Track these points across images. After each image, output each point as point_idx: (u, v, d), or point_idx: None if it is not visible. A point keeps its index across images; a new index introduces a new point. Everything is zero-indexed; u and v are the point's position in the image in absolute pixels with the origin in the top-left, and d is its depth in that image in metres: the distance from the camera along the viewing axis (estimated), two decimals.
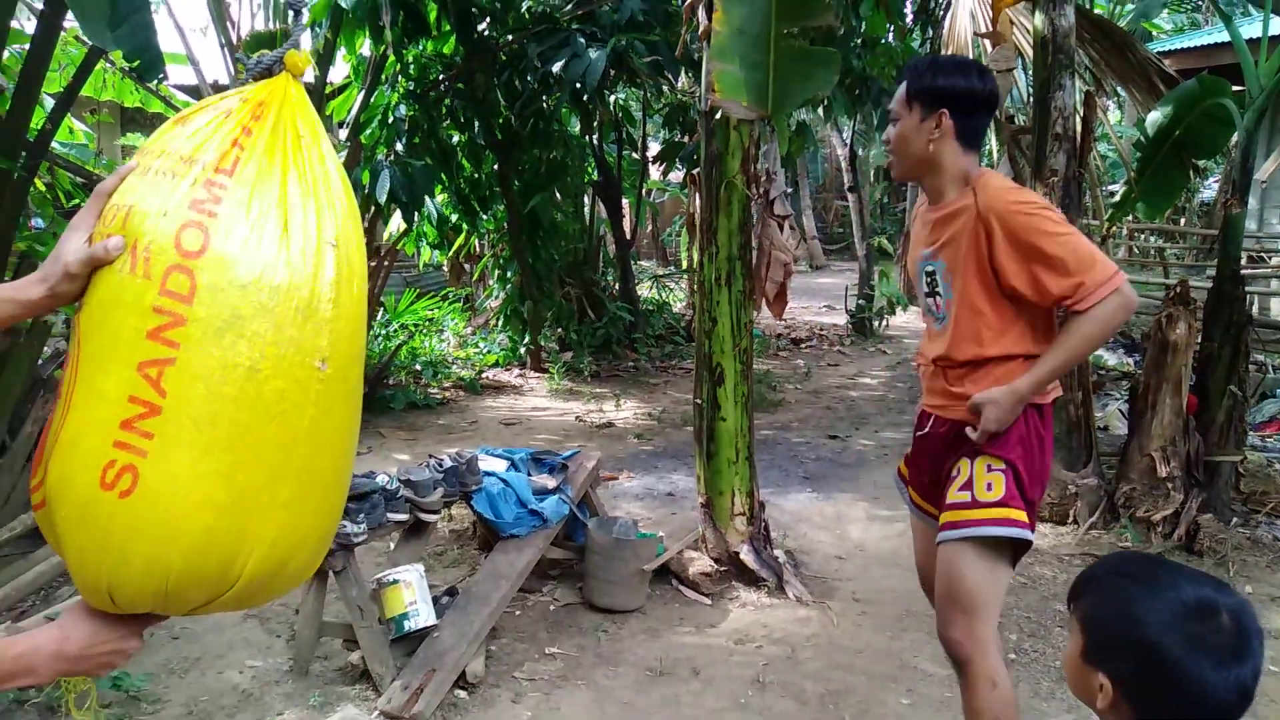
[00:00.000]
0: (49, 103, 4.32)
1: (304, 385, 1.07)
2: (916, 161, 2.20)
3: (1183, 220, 14.47)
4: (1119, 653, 1.05)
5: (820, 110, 8.60)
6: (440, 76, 7.06)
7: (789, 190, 4.04)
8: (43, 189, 4.60)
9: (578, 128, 8.56)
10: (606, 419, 6.85)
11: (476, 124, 7.37)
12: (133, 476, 0.99)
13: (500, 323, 8.91)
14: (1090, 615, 1.09)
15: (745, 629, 3.46)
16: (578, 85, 6.00)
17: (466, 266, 9.90)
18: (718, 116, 3.69)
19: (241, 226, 1.05)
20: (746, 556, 3.77)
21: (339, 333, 1.11)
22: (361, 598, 2.98)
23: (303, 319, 1.07)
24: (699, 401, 3.96)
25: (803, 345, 10.11)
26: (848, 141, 12.55)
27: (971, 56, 5.94)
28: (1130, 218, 7.05)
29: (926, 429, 2.37)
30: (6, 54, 4.18)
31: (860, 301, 10.82)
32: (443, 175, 7.16)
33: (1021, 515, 2.09)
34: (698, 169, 4.38)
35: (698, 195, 4.16)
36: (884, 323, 10.90)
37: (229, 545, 1.04)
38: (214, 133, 1.09)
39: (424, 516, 3.29)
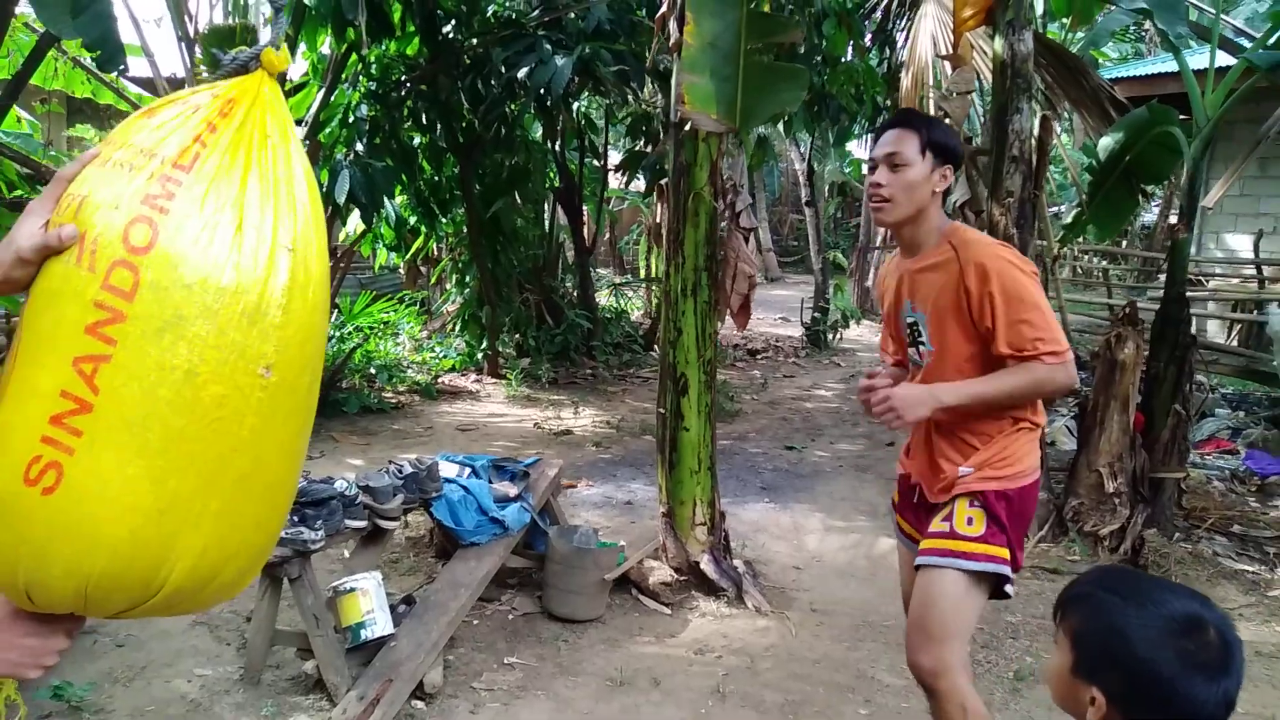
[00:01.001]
0: None
1: (245, 392, 1.03)
2: (916, 210, 2.18)
3: (1124, 242, 14.95)
4: (1112, 668, 1.07)
5: (780, 125, 8.71)
6: (403, 77, 6.99)
7: (751, 202, 4.08)
8: None
9: (540, 134, 8.54)
10: (565, 426, 6.82)
11: (439, 126, 7.31)
12: (57, 474, 0.96)
13: (458, 327, 8.83)
14: (1080, 631, 1.11)
15: (705, 639, 3.46)
16: (542, 91, 5.98)
17: (423, 269, 9.80)
18: (687, 128, 3.71)
19: (193, 224, 1.02)
20: (707, 566, 3.78)
21: (288, 339, 1.07)
22: (317, 605, 2.91)
23: (248, 323, 1.03)
24: (662, 411, 3.97)
25: (759, 356, 10.20)
26: (805, 156, 12.72)
27: (931, 79, 6.06)
28: (1079, 239, 7.26)
29: (912, 481, 2.40)
30: None
31: (815, 314, 10.96)
32: (403, 176, 7.08)
33: (1001, 552, 2.11)
34: (665, 179, 4.41)
35: (664, 206, 4.18)
36: (838, 336, 11.05)
37: (154, 552, 1.00)
38: (178, 127, 1.06)
39: (382, 524, 3.23)
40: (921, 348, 2.26)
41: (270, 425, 1.07)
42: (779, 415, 7.50)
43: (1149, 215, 15.96)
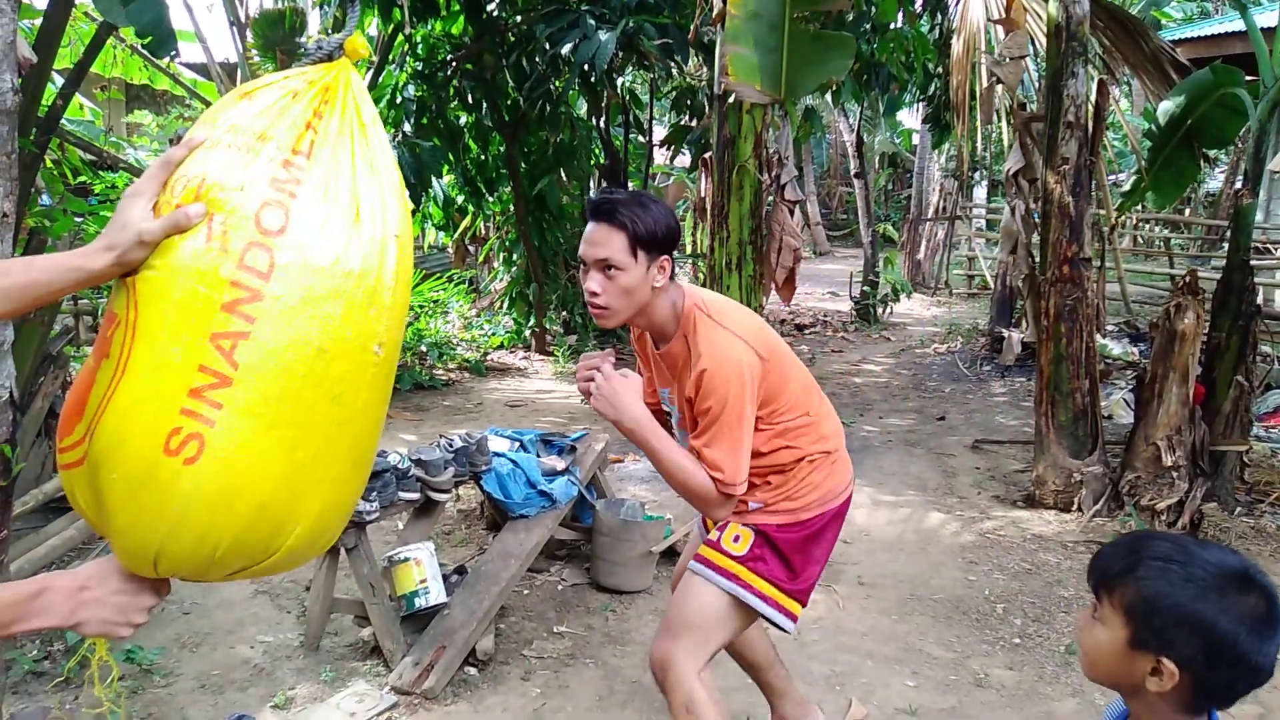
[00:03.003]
0: (58, 79, 4.31)
1: (362, 369, 1.10)
2: (639, 308, 1.99)
3: (1188, 211, 14.46)
4: (1183, 636, 1.07)
5: (828, 96, 8.58)
6: (449, 57, 7.04)
7: (798, 175, 4.04)
8: (51, 166, 4.59)
9: (585, 110, 8.54)
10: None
11: (484, 105, 7.35)
12: (199, 444, 1.00)
13: (505, 305, 8.92)
14: (1138, 603, 1.10)
15: None
16: (586, 67, 5.97)
17: (471, 249, 9.89)
18: (731, 101, 3.69)
19: (319, 210, 1.07)
20: None
21: (394, 321, 1.15)
22: (373, 575, 3.00)
23: (368, 305, 1.10)
24: None
25: (807, 331, 10.12)
26: (854, 127, 12.51)
27: (983, 43, 5.91)
28: (1139, 207, 7.04)
29: None
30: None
31: (865, 288, 10.82)
32: (450, 156, 7.15)
33: (759, 583, 2.04)
34: (709, 153, 4.38)
35: (708, 179, 4.16)
36: (888, 309, 10.90)
37: (280, 517, 1.07)
38: (283, 113, 1.10)
39: (434, 496, 3.31)
40: (678, 436, 2.14)
41: (376, 398, 1.15)
42: (827, 390, 7.36)
43: (1214, 182, 15.40)
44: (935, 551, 4.13)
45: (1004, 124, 6.46)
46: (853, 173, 13.04)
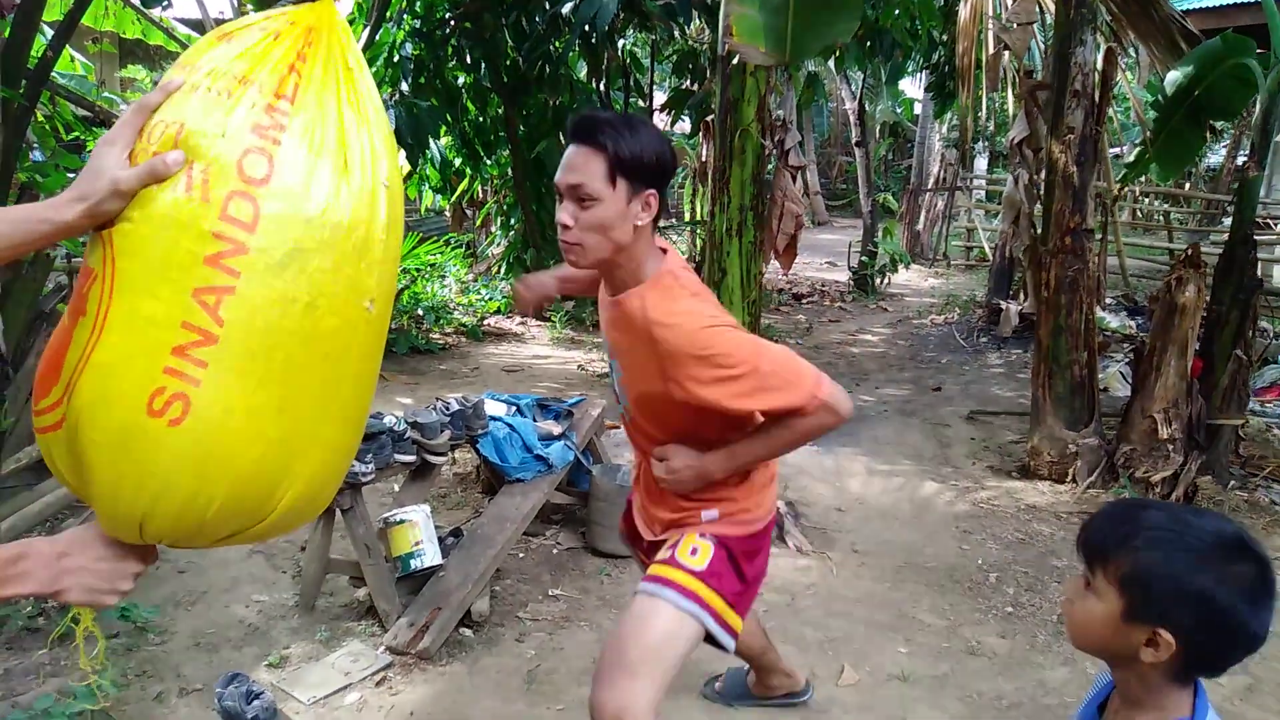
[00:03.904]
0: (49, 32, 4.22)
1: (354, 325, 1.06)
2: (615, 250, 1.71)
3: (1188, 185, 14.38)
4: (1182, 607, 1.06)
5: (831, 62, 8.46)
6: (447, 15, 6.92)
7: (801, 140, 3.99)
8: (42, 120, 4.52)
9: (584, 73, 8.42)
10: (608, 369, 6.85)
11: (483, 66, 7.24)
12: (183, 405, 0.95)
13: (503, 270, 8.86)
14: (1134, 574, 1.09)
15: None
16: (587, 28, 5.87)
17: (469, 212, 9.81)
18: (735, 62, 3.62)
19: (306, 157, 1.01)
20: None
21: (385, 275, 1.09)
22: (369, 536, 3.00)
23: (358, 258, 1.04)
24: None
25: (804, 301, 10.09)
26: (856, 95, 12.38)
27: (991, 10, 5.82)
28: (1140, 180, 6.99)
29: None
30: None
31: (863, 258, 10.77)
32: (448, 117, 7.05)
33: (713, 599, 1.84)
34: (711, 116, 4.32)
35: (709, 144, 4.11)
36: (886, 280, 10.87)
37: (271, 480, 1.02)
38: (265, 55, 1.03)
39: (430, 459, 3.30)
40: (618, 391, 1.96)
41: (368, 357, 1.11)
42: (823, 360, 7.44)
43: (1215, 157, 15.30)
44: (929, 520, 4.15)
45: (1008, 93, 6.39)
46: (854, 141, 12.92)
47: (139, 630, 2.93)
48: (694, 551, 1.87)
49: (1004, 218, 5.84)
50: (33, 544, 1.01)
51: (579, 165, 1.67)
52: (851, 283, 10.79)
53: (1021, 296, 8.32)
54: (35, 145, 4.38)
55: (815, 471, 4.74)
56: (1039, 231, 4.83)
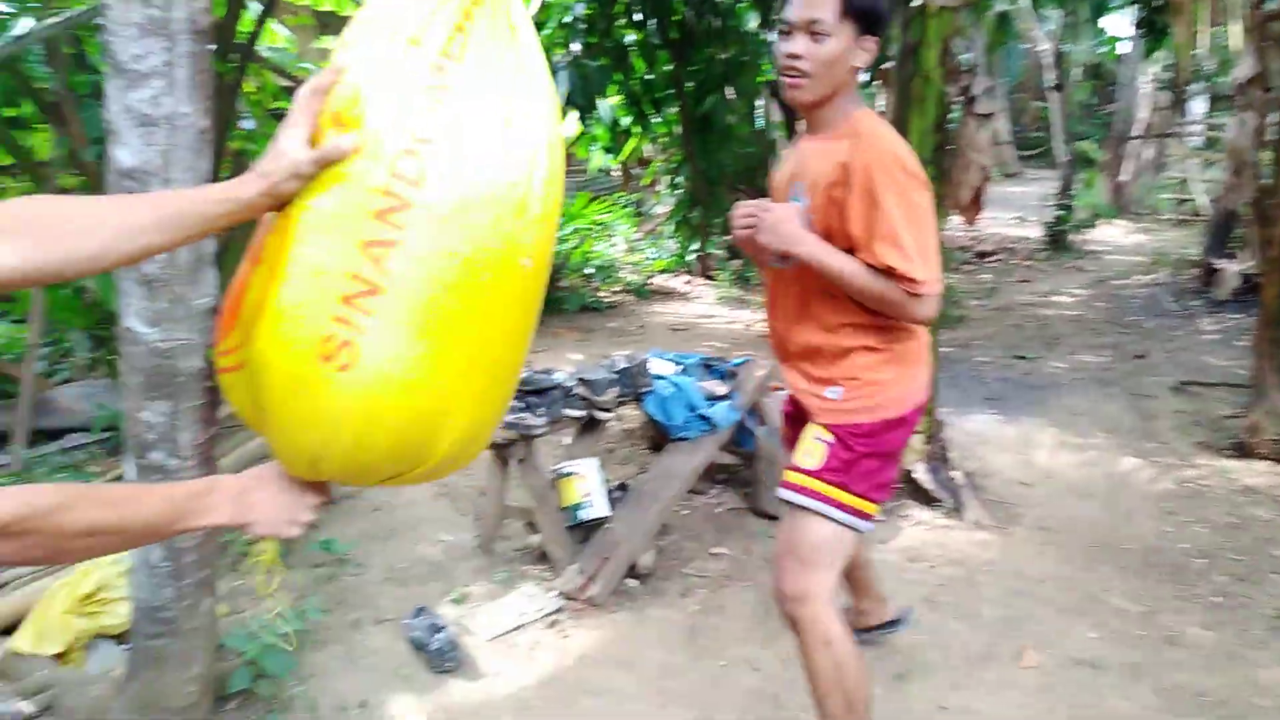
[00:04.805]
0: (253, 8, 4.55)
1: (510, 281, 1.07)
2: (833, 89, 1.90)
3: None
4: None
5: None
6: None
7: (991, 85, 3.70)
8: (251, 91, 4.90)
9: (754, 25, 8.19)
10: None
11: (652, 22, 7.20)
12: (351, 352, 0.99)
13: (670, 229, 8.88)
14: None
15: (918, 548, 3.36)
16: None
17: (637, 171, 9.88)
18: (915, 3, 3.40)
19: (471, 117, 1.03)
20: (922, 476, 3.64)
21: (543, 233, 1.10)
22: (541, 486, 3.11)
23: (516, 216, 1.05)
24: None
25: (989, 259, 9.49)
26: (1053, 35, 11.37)
27: None
28: None
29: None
30: None
31: (1059, 213, 9.97)
32: (617, 76, 7.08)
33: (833, 492, 1.94)
34: (888, 63, 4.09)
35: (887, 92, 3.90)
36: (1083, 236, 10.03)
37: (431, 427, 1.06)
38: (433, 15, 1.05)
39: (598, 414, 3.37)
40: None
41: (523, 312, 1.12)
42: (1010, 322, 6.98)
43: None
44: (1127, 499, 3.82)
45: (1233, 27, 5.65)
46: (1049, 86, 11.91)
47: (339, 562, 3.19)
48: (808, 454, 1.99)
49: (1225, 167, 5.21)
50: (220, 480, 1.09)
51: (814, 2, 1.83)
52: (1044, 240, 10.03)
53: (1242, 255, 7.44)
54: (245, 114, 4.77)
55: (997, 441, 4.48)
56: (1268, 182, 4.27)
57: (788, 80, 1.89)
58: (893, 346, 1.96)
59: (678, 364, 3.84)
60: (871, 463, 1.97)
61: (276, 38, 5.46)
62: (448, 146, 1.02)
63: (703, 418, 3.57)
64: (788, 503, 2.01)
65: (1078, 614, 2.93)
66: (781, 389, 5.22)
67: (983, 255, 9.62)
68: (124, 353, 1.90)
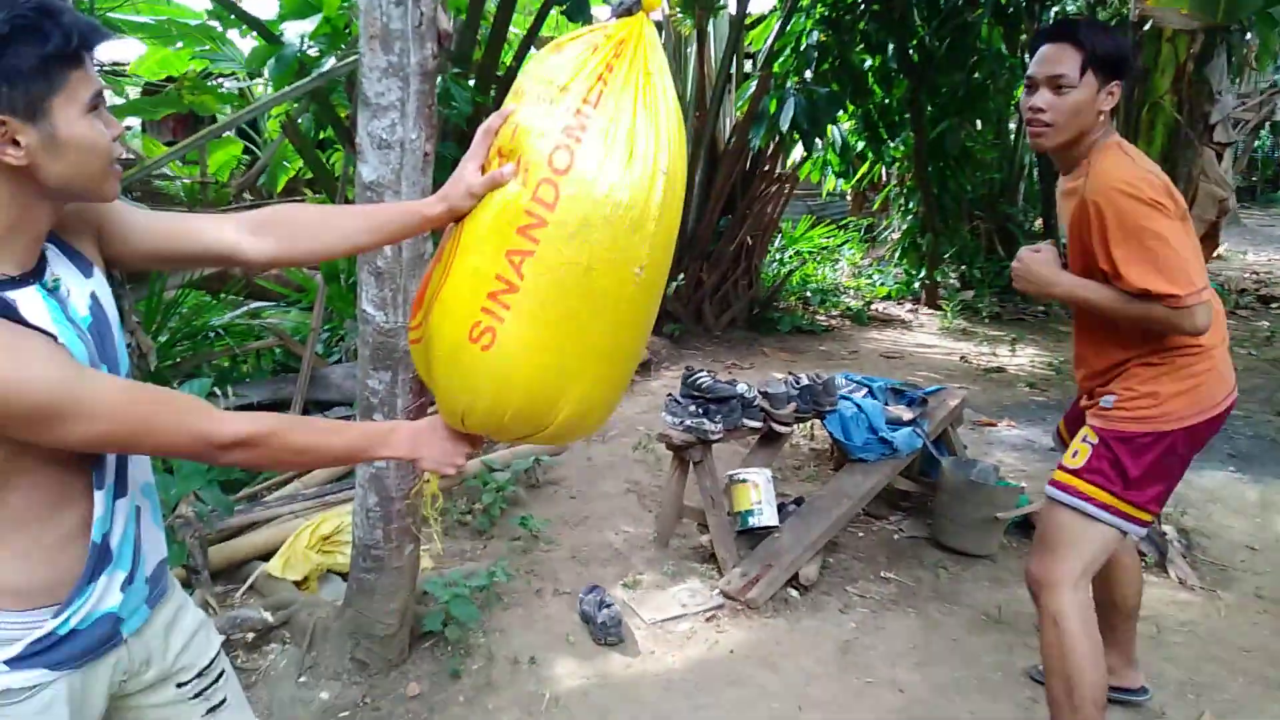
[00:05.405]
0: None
1: (623, 286, 1.30)
2: (1079, 134, 2.02)
3: None
4: None
5: None
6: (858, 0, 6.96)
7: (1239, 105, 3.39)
8: None
9: (1004, 46, 7.88)
10: (997, 363, 6.45)
11: (890, 46, 7.16)
12: (492, 335, 1.27)
13: (898, 255, 8.71)
14: None
15: None
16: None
17: (870, 196, 9.77)
18: (1147, 28, 3.23)
19: (599, 151, 1.27)
20: None
21: (657, 246, 1.32)
22: (714, 489, 3.29)
23: (632, 232, 1.28)
24: None
25: (1274, 305, 8.39)
26: None
27: None
28: None
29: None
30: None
31: None
32: (850, 102, 7.10)
33: (1095, 492, 2.06)
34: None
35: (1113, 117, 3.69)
36: None
37: (551, 398, 1.32)
38: (582, 66, 1.31)
39: (777, 427, 3.49)
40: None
41: (634, 312, 1.35)
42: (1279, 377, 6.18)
43: None
44: None
45: None
46: None
47: (534, 538, 3.56)
48: (1075, 454, 2.12)
49: None
50: (401, 424, 1.42)
51: (1056, 58, 1.99)
52: None
53: None
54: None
55: (1232, 501, 4.05)
56: None
57: (1031, 130, 2.07)
58: (1173, 360, 2.04)
59: (865, 386, 3.87)
60: (1135, 470, 2.05)
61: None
62: (578, 177, 1.27)
63: (884, 441, 3.58)
64: (1049, 496, 2.18)
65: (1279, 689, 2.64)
66: (994, 425, 5.04)
67: (1266, 300, 8.52)
68: (359, 331, 2.33)
